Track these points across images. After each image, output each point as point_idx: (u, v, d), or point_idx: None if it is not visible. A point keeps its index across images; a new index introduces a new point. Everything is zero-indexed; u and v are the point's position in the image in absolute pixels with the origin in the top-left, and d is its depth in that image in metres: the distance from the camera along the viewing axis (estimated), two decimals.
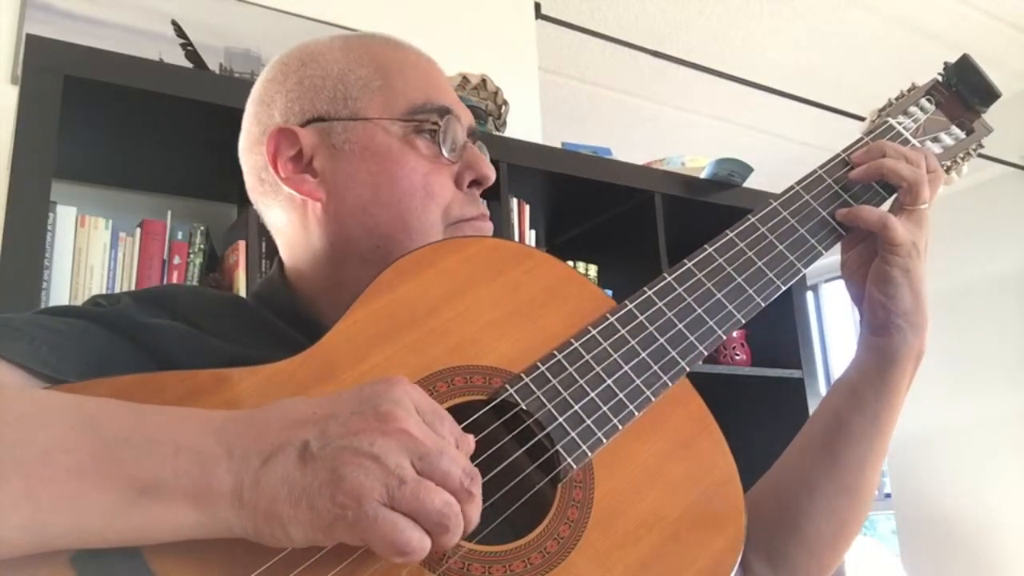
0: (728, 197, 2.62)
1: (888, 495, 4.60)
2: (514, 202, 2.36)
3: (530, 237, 2.45)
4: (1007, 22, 3.59)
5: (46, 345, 0.65)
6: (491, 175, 0.85)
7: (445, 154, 0.81)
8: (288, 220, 0.85)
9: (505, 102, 2.46)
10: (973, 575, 3.98)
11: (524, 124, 2.67)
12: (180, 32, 2.21)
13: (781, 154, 4.27)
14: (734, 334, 2.70)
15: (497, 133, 2.40)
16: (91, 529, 0.50)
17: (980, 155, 0.99)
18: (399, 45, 0.87)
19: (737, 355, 2.69)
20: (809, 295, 2.80)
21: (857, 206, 0.86)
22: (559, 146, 2.53)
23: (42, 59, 1.64)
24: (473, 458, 0.60)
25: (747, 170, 2.64)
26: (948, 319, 4.12)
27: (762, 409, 2.64)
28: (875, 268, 0.85)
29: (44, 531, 0.49)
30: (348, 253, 0.81)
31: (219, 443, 0.53)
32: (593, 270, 2.55)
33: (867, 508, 0.89)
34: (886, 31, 3.64)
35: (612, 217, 2.65)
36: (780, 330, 2.73)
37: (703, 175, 2.64)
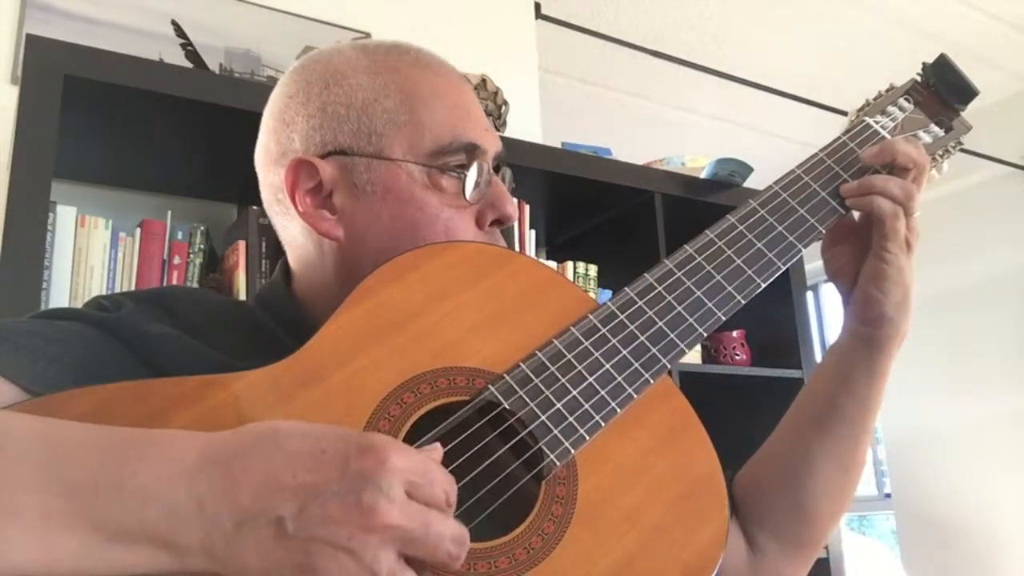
0: (728, 197, 2.62)
1: (888, 495, 4.60)
2: (514, 202, 2.36)
3: (530, 237, 2.45)
4: (1007, 22, 3.59)
5: (44, 359, 0.65)
6: (513, 214, 0.85)
7: (468, 196, 0.81)
8: (303, 244, 0.85)
9: (505, 102, 2.47)
10: (973, 575, 3.98)
11: (524, 124, 2.67)
12: (180, 32, 2.22)
13: (781, 154, 4.25)
14: (734, 334, 2.70)
15: (497, 133, 2.41)
16: (61, 569, 0.50)
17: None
18: (427, 66, 0.85)
19: (737, 355, 2.70)
20: (809, 295, 2.81)
21: (868, 177, 0.89)
22: (559, 146, 2.53)
23: (42, 59, 1.65)
24: (457, 457, 0.60)
25: (747, 170, 2.65)
26: (948, 319, 4.12)
27: (762, 409, 2.62)
28: (870, 267, 0.88)
29: (16, 567, 0.49)
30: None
31: (189, 495, 0.52)
32: (593, 270, 2.55)
33: (859, 478, 0.94)
34: (886, 31, 3.64)
35: (612, 217, 2.66)
36: (780, 330, 2.73)
37: (703, 175, 2.65)
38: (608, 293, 2.41)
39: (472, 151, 0.81)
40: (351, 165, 0.80)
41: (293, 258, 0.87)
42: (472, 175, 0.81)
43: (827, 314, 5.32)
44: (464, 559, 0.55)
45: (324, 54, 0.86)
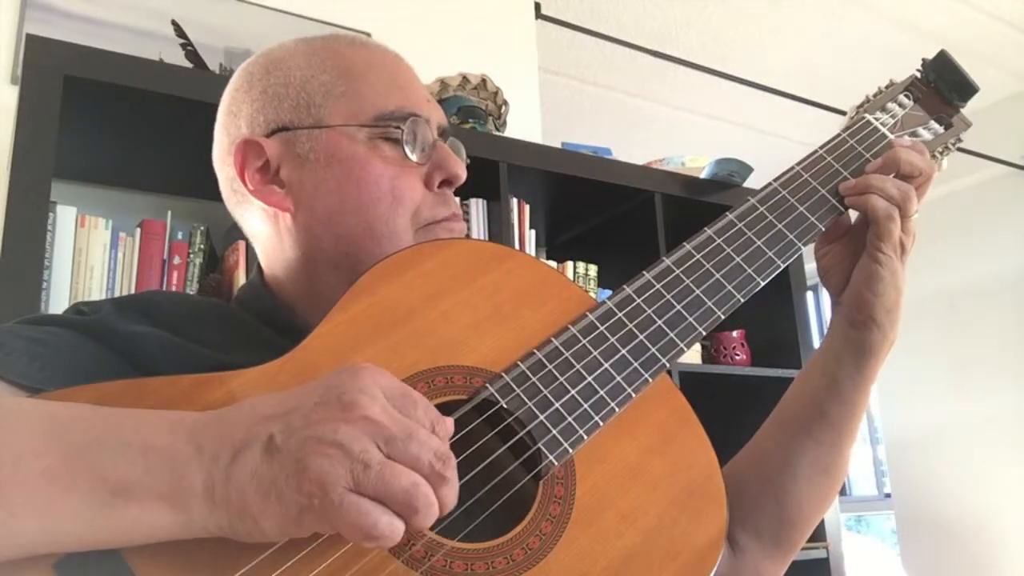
0: (728, 197, 2.63)
1: (888, 495, 4.60)
2: (514, 202, 2.37)
3: (530, 237, 2.45)
4: (1007, 22, 3.59)
5: (26, 356, 0.65)
6: (461, 173, 0.85)
7: (411, 157, 0.81)
8: (263, 229, 0.86)
9: (505, 102, 2.47)
10: (973, 575, 3.98)
11: (524, 124, 2.68)
12: (180, 32, 2.22)
13: (781, 154, 4.25)
14: (734, 334, 2.70)
15: (497, 133, 2.41)
16: (66, 533, 0.50)
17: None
18: (364, 45, 0.87)
19: (737, 355, 2.70)
20: (809, 295, 2.81)
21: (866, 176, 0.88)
22: (559, 146, 2.53)
23: (42, 59, 1.65)
24: (455, 455, 0.60)
25: (747, 170, 2.65)
26: (948, 318, 4.12)
27: (762, 409, 2.61)
28: (864, 268, 0.87)
29: (19, 537, 0.49)
30: (320, 262, 0.82)
31: (189, 442, 0.53)
32: (593, 270, 2.56)
33: (842, 481, 0.94)
34: (886, 31, 3.64)
35: (612, 217, 2.66)
36: (780, 330, 2.73)
37: (703, 175, 2.65)
38: (608, 293, 2.40)
39: (411, 117, 0.82)
40: (293, 138, 0.81)
41: (260, 251, 0.88)
42: (413, 137, 0.81)
43: (827, 314, 5.32)
44: (450, 486, 0.55)
45: (266, 49, 0.88)
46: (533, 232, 2.49)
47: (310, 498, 0.51)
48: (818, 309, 5.38)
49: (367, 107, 0.81)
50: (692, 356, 2.60)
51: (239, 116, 0.85)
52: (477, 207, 2.28)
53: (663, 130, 4.33)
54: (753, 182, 2.69)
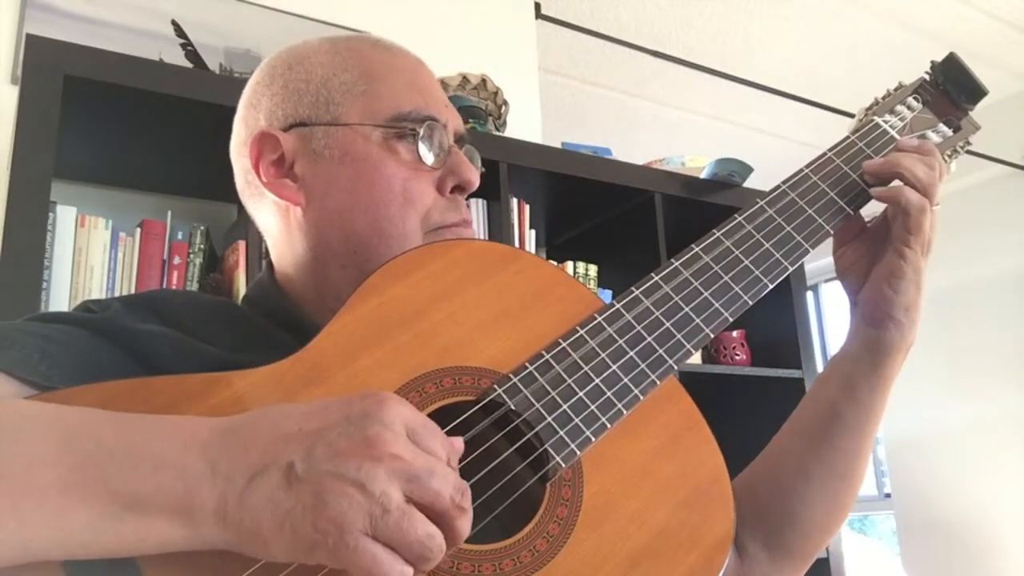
0: (728, 197, 2.63)
1: (888, 495, 4.60)
2: (514, 202, 2.37)
3: (530, 237, 2.45)
4: (1007, 22, 3.59)
5: (37, 353, 0.65)
6: (474, 180, 0.85)
7: (425, 160, 0.82)
8: (274, 223, 0.86)
9: (505, 102, 2.47)
10: (973, 575, 3.98)
11: (524, 124, 2.68)
12: (180, 32, 2.22)
13: (781, 154, 4.26)
14: (734, 334, 2.70)
15: (497, 133, 2.41)
16: (76, 543, 0.50)
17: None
18: (387, 47, 0.87)
19: (737, 355, 2.70)
20: (809, 295, 2.82)
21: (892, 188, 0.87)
22: (559, 146, 2.53)
23: (42, 59, 1.65)
24: (463, 458, 0.60)
25: (747, 170, 2.65)
26: (948, 318, 4.12)
27: (762, 409, 2.64)
28: (887, 263, 0.86)
29: (29, 545, 0.49)
30: (327, 258, 0.82)
31: (203, 459, 0.53)
32: (593, 270, 2.56)
33: (858, 490, 0.92)
34: (886, 31, 3.64)
35: (612, 217, 2.66)
36: (780, 330, 2.73)
37: (703, 175, 2.65)
38: (608, 293, 2.41)
39: (428, 120, 0.82)
40: (310, 134, 0.82)
41: (271, 245, 0.89)
42: (429, 141, 0.82)
43: (827, 314, 5.32)
44: (467, 517, 0.54)
45: (290, 45, 0.89)
46: (533, 232, 2.49)
47: (325, 536, 0.50)
48: (818, 309, 5.37)
49: (385, 107, 0.82)
50: (692, 356, 2.60)
51: (258, 109, 0.85)
52: (477, 207, 2.28)
53: (663, 130, 4.33)
54: (753, 182, 2.69)
